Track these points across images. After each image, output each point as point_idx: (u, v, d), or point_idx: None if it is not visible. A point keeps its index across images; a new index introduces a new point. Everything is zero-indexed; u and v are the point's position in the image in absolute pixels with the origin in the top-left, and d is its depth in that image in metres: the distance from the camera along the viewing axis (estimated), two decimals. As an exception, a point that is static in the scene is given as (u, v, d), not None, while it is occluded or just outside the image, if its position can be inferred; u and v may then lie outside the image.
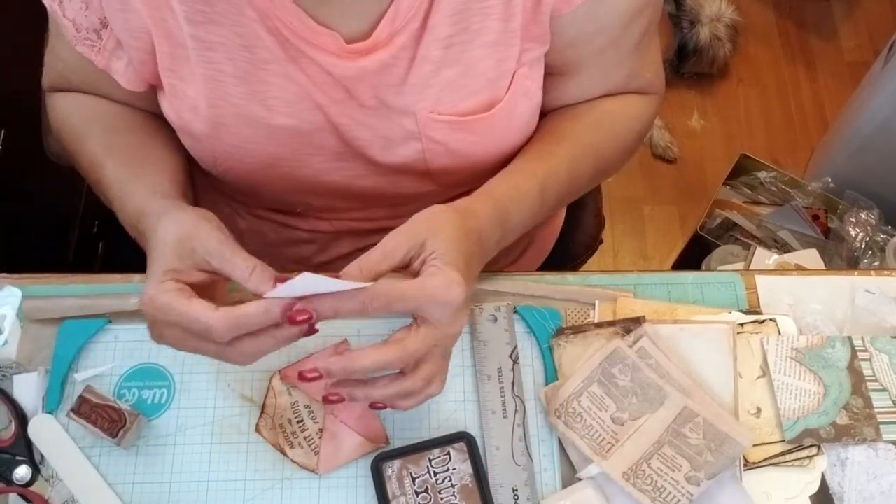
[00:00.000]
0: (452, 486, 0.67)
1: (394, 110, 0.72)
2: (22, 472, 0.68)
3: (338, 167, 0.77)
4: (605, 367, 0.71)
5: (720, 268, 1.53)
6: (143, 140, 0.76)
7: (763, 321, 0.76)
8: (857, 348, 0.74)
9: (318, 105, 0.71)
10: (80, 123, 0.77)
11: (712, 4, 1.99)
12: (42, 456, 0.69)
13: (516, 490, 0.68)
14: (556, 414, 0.70)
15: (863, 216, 1.59)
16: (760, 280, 0.78)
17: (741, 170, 1.74)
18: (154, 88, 0.75)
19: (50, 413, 0.70)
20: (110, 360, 0.73)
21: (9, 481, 0.68)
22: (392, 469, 0.68)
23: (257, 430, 0.70)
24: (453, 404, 0.72)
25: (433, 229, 0.61)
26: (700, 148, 2.03)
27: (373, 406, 0.65)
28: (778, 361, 0.73)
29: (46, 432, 0.70)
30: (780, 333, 0.75)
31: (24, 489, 0.68)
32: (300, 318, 0.57)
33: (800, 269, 1.39)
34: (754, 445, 0.70)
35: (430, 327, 0.59)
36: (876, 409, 0.72)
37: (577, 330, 0.74)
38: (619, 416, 0.70)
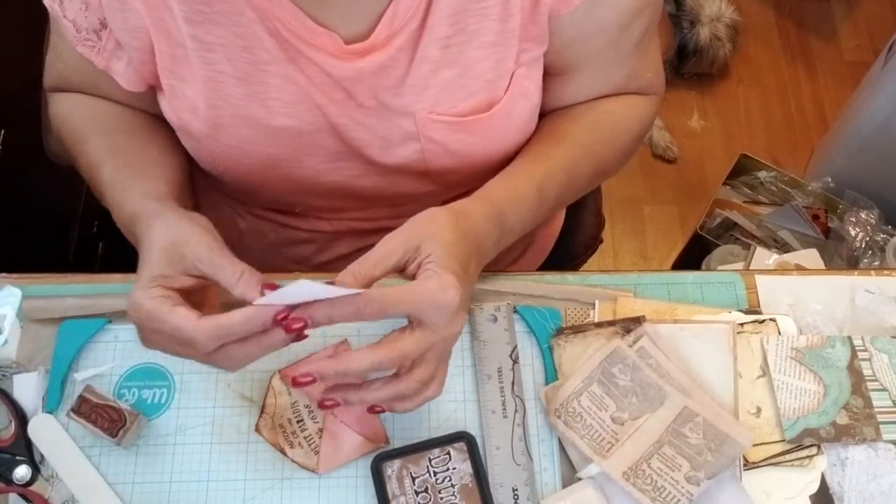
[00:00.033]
0: (452, 485, 0.67)
1: (392, 111, 0.72)
2: (22, 471, 0.68)
3: (337, 167, 0.77)
4: (605, 367, 0.71)
5: (720, 268, 1.53)
6: (142, 142, 0.76)
7: (763, 321, 0.76)
8: (857, 348, 0.74)
9: (317, 106, 0.71)
10: (80, 124, 0.77)
11: (712, 4, 1.99)
12: (42, 456, 0.69)
13: (516, 490, 0.68)
14: (556, 414, 0.70)
15: (863, 216, 1.59)
16: (760, 280, 0.78)
17: (741, 170, 1.74)
18: (154, 89, 0.75)
19: (50, 413, 0.70)
20: (110, 360, 0.73)
21: (9, 481, 0.68)
22: (392, 469, 0.68)
23: (257, 429, 0.70)
24: (453, 404, 0.72)
25: (429, 232, 0.61)
26: (700, 148, 2.03)
27: (371, 410, 0.65)
28: (778, 361, 0.73)
29: (46, 432, 0.70)
30: (780, 333, 0.75)
31: (24, 489, 0.68)
32: (295, 326, 0.57)
33: (800, 268, 1.39)
34: (754, 445, 0.70)
35: (425, 330, 0.59)
36: (876, 409, 0.72)
37: (577, 330, 0.74)
38: (619, 415, 0.70)
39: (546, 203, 0.73)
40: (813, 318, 0.77)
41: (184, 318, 0.58)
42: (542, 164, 0.73)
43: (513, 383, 0.72)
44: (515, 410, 0.71)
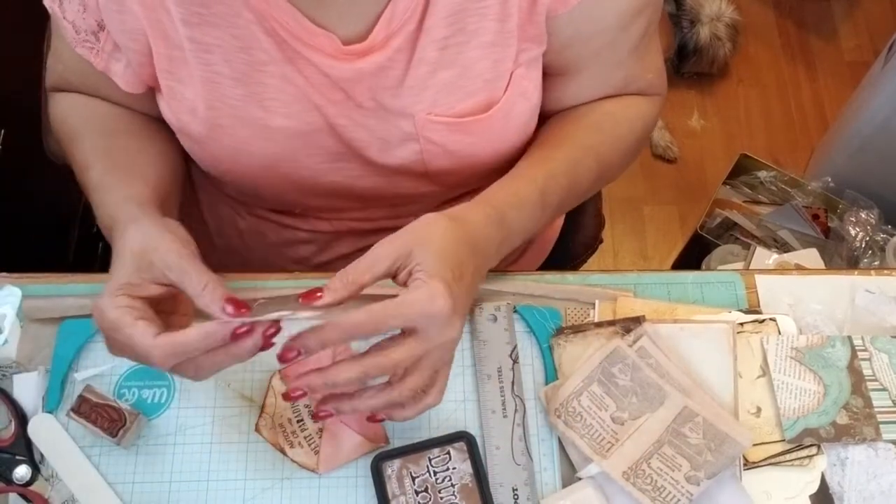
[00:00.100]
0: (452, 485, 0.67)
1: (391, 112, 0.72)
2: (22, 471, 0.68)
3: (336, 168, 0.77)
4: (605, 367, 0.71)
5: (720, 267, 1.53)
6: (135, 144, 0.76)
7: (763, 321, 0.76)
8: (857, 348, 0.74)
9: (315, 106, 0.71)
10: (76, 124, 0.77)
11: (712, 4, 1.99)
12: (42, 455, 0.69)
13: (516, 489, 0.68)
14: (556, 413, 0.70)
15: (863, 216, 1.59)
16: (760, 280, 0.79)
17: (741, 169, 1.74)
18: (153, 90, 0.75)
19: (50, 412, 0.70)
20: (110, 360, 0.73)
21: (9, 481, 0.68)
22: (392, 469, 0.68)
23: (257, 429, 0.70)
24: (453, 404, 0.72)
25: (421, 240, 0.60)
26: (700, 148, 2.03)
27: (371, 419, 0.64)
28: (778, 361, 0.73)
29: (46, 432, 0.70)
30: (780, 333, 0.75)
31: (23, 489, 0.68)
32: (290, 355, 0.58)
33: (800, 268, 1.39)
34: (754, 445, 0.70)
35: (416, 338, 0.58)
36: (876, 409, 0.72)
37: (577, 329, 0.74)
38: (619, 415, 0.70)
39: (549, 206, 0.72)
40: (813, 318, 0.77)
41: (142, 335, 0.58)
42: (543, 166, 0.73)
43: (513, 383, 0.72)
44: (515, 410, 0.71)
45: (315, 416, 0.63)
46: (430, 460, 0.68)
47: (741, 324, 0.75)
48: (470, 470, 0.68)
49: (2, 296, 0.74)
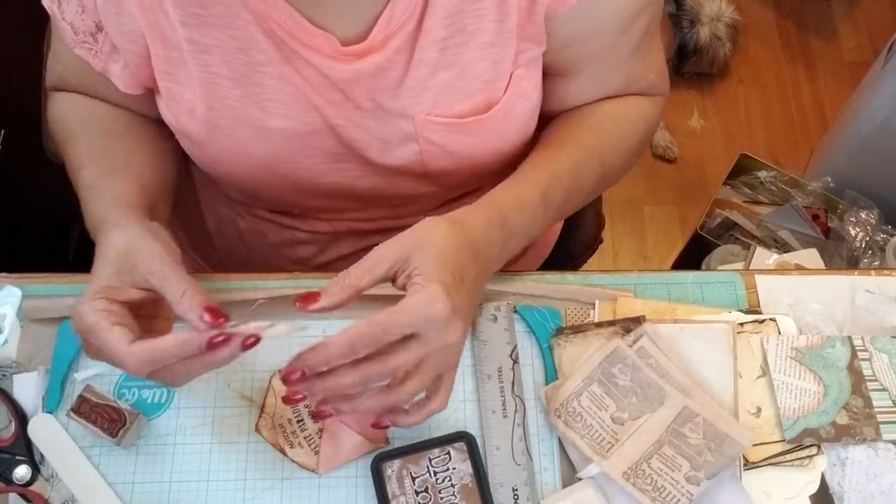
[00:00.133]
0: (452, 485, 0.67)
1: (390, 113, 0.71)
2: (22, 471, 0.68)
3: (336, 168, 0.77)
4: (605, 367, 0.71)
5: (720, 267, 1.53)
6: (129, 145, 0.76)
7: (763, 321, 0.76)
8: (857, 348, 0.74)
9: (314, 107, 0.71)
10: (73, 125, 0.77)
11: (712, 4, 1.99)
12: (42, 456, 0.69)
13: (516, 490, 0.68)
14: (556, 413, 0.70)
15: (863, 216, 1.59)
16: (760, 280, 0.79)
17: (741, 170, 1.74)
18: (152, 92, 0.75)
19: (50, 413, 0.70)
20: (110, 360, 0.73)
21: (9, 481, 0.68)
22: (392, 469, 0.68)
23: (257, 429, 0.70)
24: (453, 404, 0.72)
25: (420, 243, 0.60)
26: (700, 148, 2.03)
27: (376, 426, 0.64)
28: (778, 361, 0.73)
29: (46, 432, 0.70)
30: (780, 333, 0.75)
31: (24, 489, 0.68)
32: (294, 377, 0.58)
33: (800, 268, 1.39)
34: (754, 445, 0.70)
35: (417, 341, 0.58)
36: (876, 409, 0.72)
37: (577, 329, 0.74)
38: (619, 415, 0.70)
39: (552, 207, 0.72)
40: (813, 318, 0.77)
41: (117, 342, 0.57)
42: (545, 168, 0.72)
43: (513, 383, 0.72)
44: (515, 410, 0.71)
45: (315, 416, 0.63)
46: (430, 460, 0.68)
47: (741, 324, 0.75)
48: (470, 470, 0.68)
49: (2, 296, 0.74)
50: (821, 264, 1.45)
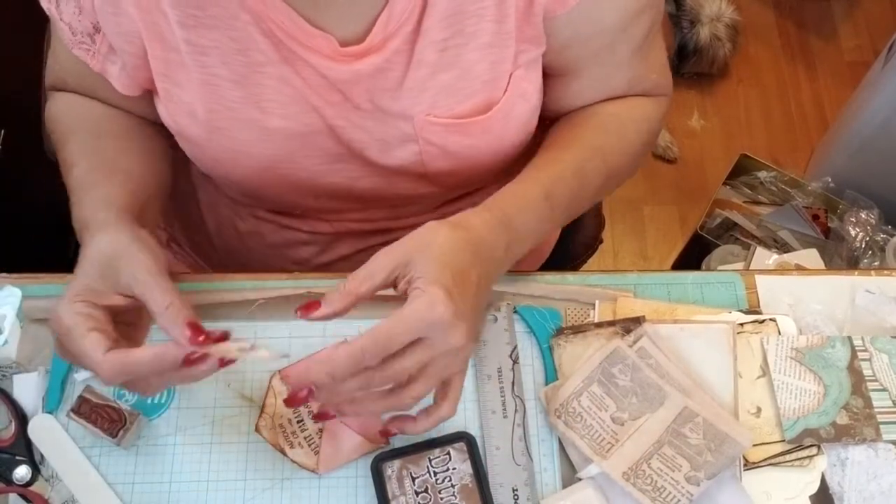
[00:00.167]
0: (452, 485, 0.67)
1: (389, 114, 0.71)
2: (22, 472, 0.68)
3: (336, 169, 0.77)
4: (605, 367, 0.71)
5: (720, 268, 1.53)
6: (123, 146, 0.75)
7: (763, 321, 0.76)
8: (857, 348, 0.74)
9: (314, 108, 0.71)
10: (69, 124, 0.76)
11: (712, 4, 1.99)
12: (42, 456, 0.69)
13: (516, 490, 0.68)
14: (556, 414, 0.70)
15: (863, 216, 1.59)
16: (760, 280, 0.78)
17: (741, 170, 1.74)
18: (151, 93, 0.75)
19: (50, 413, 0.70)
20: (110, 360, 0.73)
21: (9, 481, 0.68)
22: (392, 469, 0.68)
23: (257, 429, 0.70)
24: (453, 404, 0.72)
25: (420, 248, 0.60)
26: (700, 148, 2.03)
27: (384, 433, 0.64)
28: (778, 361, 0.73)
29: (46, 432, 0.70)
30: (780, 333, 0.75)
31: (24, 489, 0.68)
32: (301, 395, 0.58)
33: (800, 268, 1.39)
34: (754, 445, 0.70)
35: (421, 345, 0.57)
36: (876, 409, 0.72)
37: (577, 330, 0.74)
38: (619, 415, 0.70)
39: (557, 208, 0.71)
40: (813, 318, 0.77)
41: (92, 349, 0.57)
42: (549, 169, 0.72)
43: (513, 383, 0.72)
44: (515, 410, 0.71)
45: (316, 417, 0.63)
46: (430, 461, 0.68)
47: (741, 324, 0.75)
48: (470, 470, 0.68)
49: (2, 296, 0.74)
50: (821, 264, 1.45)
